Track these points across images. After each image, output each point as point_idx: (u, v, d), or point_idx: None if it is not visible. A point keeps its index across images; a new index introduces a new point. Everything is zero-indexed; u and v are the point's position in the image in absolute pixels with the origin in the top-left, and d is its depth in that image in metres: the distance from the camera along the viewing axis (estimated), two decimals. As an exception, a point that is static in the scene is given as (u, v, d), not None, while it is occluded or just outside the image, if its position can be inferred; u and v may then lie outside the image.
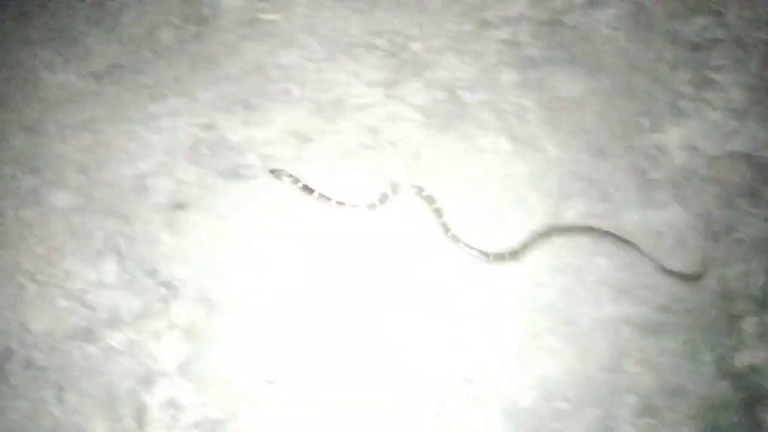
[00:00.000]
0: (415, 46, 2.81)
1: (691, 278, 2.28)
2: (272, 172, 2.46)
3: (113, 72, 2.72)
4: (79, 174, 2.46)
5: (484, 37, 2.85)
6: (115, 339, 2.19)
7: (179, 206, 2.40)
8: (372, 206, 2.40)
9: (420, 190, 2.43)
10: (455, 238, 2.33)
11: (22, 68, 2.74)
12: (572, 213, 2.43)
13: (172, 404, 2.07)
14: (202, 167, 2.48)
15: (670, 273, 2.28)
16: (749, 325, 2.18)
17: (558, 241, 2.35)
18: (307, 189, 2.41)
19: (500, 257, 2.31)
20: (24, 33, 2.83)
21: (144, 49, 2.78)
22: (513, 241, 2.34)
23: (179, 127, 2.57)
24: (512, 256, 2.31)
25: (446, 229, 2.35)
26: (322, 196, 2.39)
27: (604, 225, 2.38)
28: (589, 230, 2.39)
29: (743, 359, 2.13)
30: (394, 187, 2.44)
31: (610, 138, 2.61)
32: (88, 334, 2.19)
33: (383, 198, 2.41)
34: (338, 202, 2.39)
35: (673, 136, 2.61)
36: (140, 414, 2.06)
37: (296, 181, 2.43)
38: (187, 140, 2.54)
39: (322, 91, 2.69)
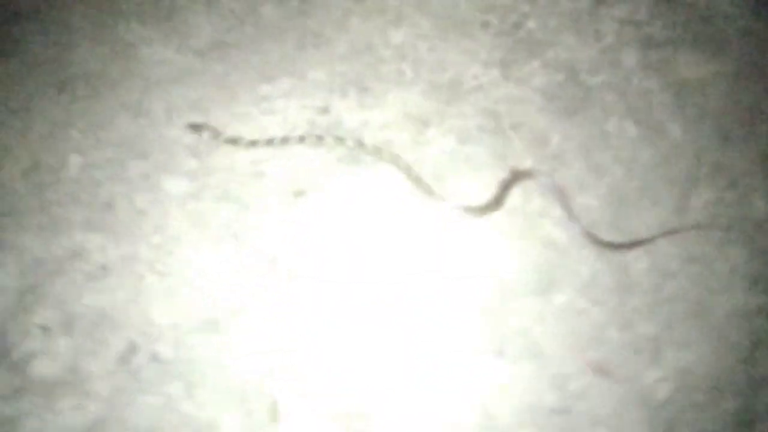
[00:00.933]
0: (531, 24, 2.62)
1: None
2: (192, 127, 2.32)
3: (217, 49, 2.54)
4: (190, 158, 2.29)
5: (601, 15, 2.66)
6: (241, 329, 2.08)
7: (298, 192, 2.25)
8: (498, 200, 2.22)
9: (548, 177, 2.28)
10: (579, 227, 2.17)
11: (119, 44, 2.55)
12: (699, 201, 2.30)
13: (304, 396, 1.97)
14: (320, 152, 2.33)
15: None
16: None
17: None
18: (232, 140, 2.27)
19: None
20: (116, 5, 2.64)
21: (247, 25, 2.59)
22: (639, 232, 2.19)
23: (293, 110, 2.40)
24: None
25: (574, 218, 2.21)
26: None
27: (732, 213, 2.25)
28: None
29: None
30: (517, 175, 2.28)
31: (737, 122, 2.44)
32: (213, 325, 2.07)
33: (504, 186, 2.26)
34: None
35: (803, 119, 2.45)
36: (273, 407, 1.96)
37: (217, 134, 2.30)
38: (302, 123, 2.37)
39: (437, 71, 2.51)
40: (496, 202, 2.20)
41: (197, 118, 2.36)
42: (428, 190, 2.21)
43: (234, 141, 2.29)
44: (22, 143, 2.30)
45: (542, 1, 2.69)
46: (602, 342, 1.97)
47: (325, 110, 2.40)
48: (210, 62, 2.50)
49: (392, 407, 1.87)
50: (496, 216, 2.20)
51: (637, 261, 2.12)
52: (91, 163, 2.27)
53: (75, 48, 2.53)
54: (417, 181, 2.23)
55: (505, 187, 2.24)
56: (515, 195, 2.23)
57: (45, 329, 2.02)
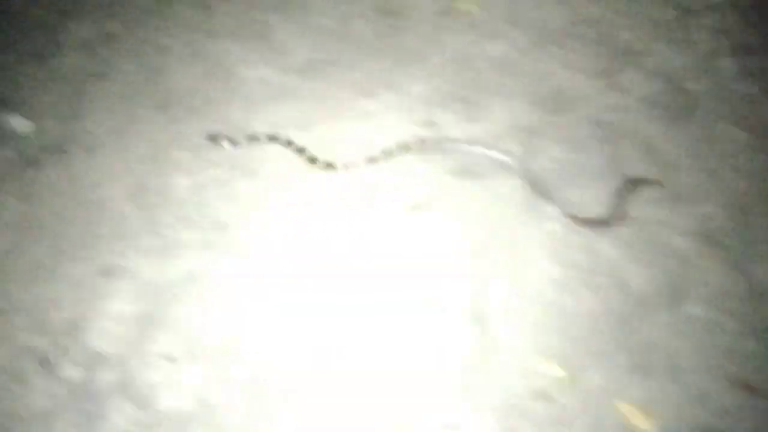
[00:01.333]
0: (625, 35, 2.60)
1: None
2: (211, 138, 2.25)
3: (314, 67, 2.48)
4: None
5: (690, 24, 2.66)
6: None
7: (415, 207, 2.17)
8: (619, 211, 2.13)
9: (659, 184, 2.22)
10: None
11: (215, 64, 2.49)
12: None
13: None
14: (432, 166, 2.25)
15: None
16: None
17: None
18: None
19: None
20: (207, 24, 2.58)
21: (341, 42, 2.54)
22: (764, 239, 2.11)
23: (399, 124, 2.33)
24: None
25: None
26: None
27: None
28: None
29: None
30: (632, 183, 2.22)
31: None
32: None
33: (623, 193, 2.19)
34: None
35: None
36: None
37: (235, 142, 2.24)
38: (410, 138, 2.31)
39: (538, 82, 2.47)
40: (619, 214, 2.13)
41: (297, 134, 2.28)
42: (549, 199, 2.14)
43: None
44: (124, 165, 2.22)
45: (631, 13, 2.68)
46: (741, 354, 1.88)
47: (430, 124, 2.34)
48: (309, 80, 2.43)
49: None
50: (617, 226, 2.14)
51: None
52: (199, 184, 2.19)
53: (170, 69, 2.47)
54: (539, 192, 2.15)
55: (623, 196, 2.18)
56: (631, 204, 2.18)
57: (170, 359, 1.91)
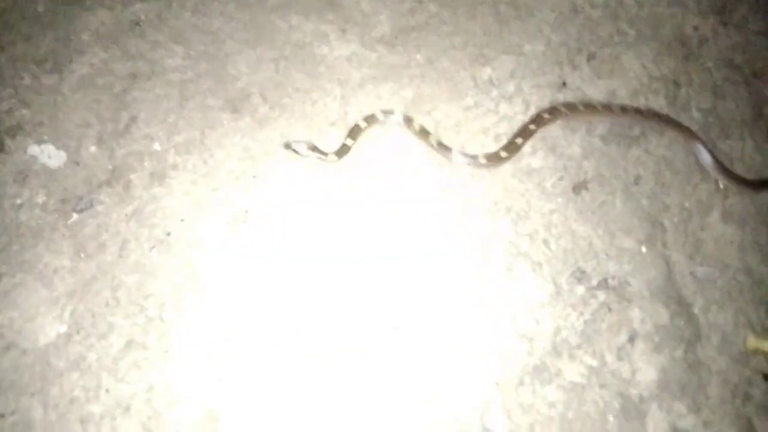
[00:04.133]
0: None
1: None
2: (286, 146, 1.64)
3: (404, 35, 1.89)
4: (435, 168, 1.65)
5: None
6: (572, 370, 1.49)
7: (578, 187, 1.67)
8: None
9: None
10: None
11: (287, 46, 1.82)
12: None
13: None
14: (581, 134, 1.73)
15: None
16: None
17: None
18: (319, 151, 1.62)
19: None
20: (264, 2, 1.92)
21: (427, 3, 1.95)
22: None
23: (528, 90, 1.81)
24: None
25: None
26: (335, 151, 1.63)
27: None
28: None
29: None
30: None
31: None
32: (539, 373, 1.46)
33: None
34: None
35: None
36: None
37: (314, 146, 1.63)
38: (544, 103, 1.77)
39: (656, 26, 1.97)
40: None
41: (420, 118, 1.71)
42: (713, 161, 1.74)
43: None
44: (216, 188, 1.57)
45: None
46: None
47: (561, 86, 1.85)
48: (405, 51, 1.85)
49: None
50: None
51: None
52: (308, 200, 1.58)
53: (233, 58, 1.78)
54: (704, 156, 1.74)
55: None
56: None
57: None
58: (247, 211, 1.56)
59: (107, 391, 1.30)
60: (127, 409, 1.29)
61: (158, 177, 1.57)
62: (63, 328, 1.37)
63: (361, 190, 1.62)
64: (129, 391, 1.31)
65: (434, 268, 1.53)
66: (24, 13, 1.81)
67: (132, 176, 1.56)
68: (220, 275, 1.46)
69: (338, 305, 1.46)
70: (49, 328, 1.35)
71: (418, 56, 1.85)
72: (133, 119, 1.65)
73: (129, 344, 1.35)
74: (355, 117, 1.72)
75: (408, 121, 1.69)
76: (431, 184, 1.64)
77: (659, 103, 1.87)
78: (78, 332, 1.37)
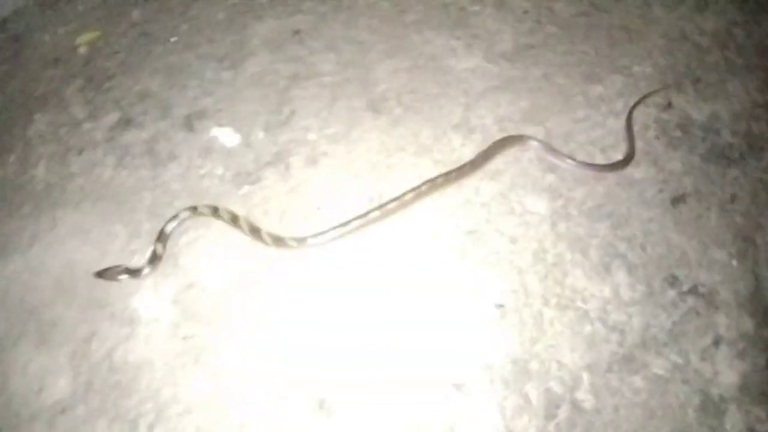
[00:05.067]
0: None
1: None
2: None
3: (524, 52, 2.04)
4: (547, 173, 1.80)
5: None
6: (658, 365, 1.62)
7: (677, 200, 1.80)
8: None
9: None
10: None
11: (420, 56, 2.04)
12: None
13: (752, 432, 1.51)
14: (683, 152, 1.86)
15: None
16: None
17: None
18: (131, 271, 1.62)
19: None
20: (401, 15, 2.14)
21: (546, 24, 2.10)
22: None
23: (636, 109, 1.93)
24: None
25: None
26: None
27: None
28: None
29: None
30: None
31: None
32: (626, 363, 1.60)
33: None
34: None
35: None
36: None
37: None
38: (649, 122, 1.90)
39: (763, 55, 2.07)
40: None
41: (532, 129, 1.87)
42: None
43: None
44: (351, 176, 1.82)
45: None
46: None
47: (667, 106, 1.96)
48: (524, 66, 2.01)
49: None
50: None
51: None
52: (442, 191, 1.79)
53: (374, 66, 2.03)
54: None
55: None
56: None
57: (459, 388, 1.55)
58: (380, 194, 1.79)
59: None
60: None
61: (312, 161, 1.81)
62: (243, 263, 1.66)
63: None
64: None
65: (530, 259, 1.71)
66: (209, 20, 2.13)
67: (291, 159, 1.81)
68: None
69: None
70: (227, 270, 1.65)
71: (535, 71, 2.00)
72: (293, 113, 1.91)
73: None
74: (476, 122, 1.89)
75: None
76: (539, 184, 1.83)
77: (761, 129, 1.93)
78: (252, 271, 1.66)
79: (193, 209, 1.69)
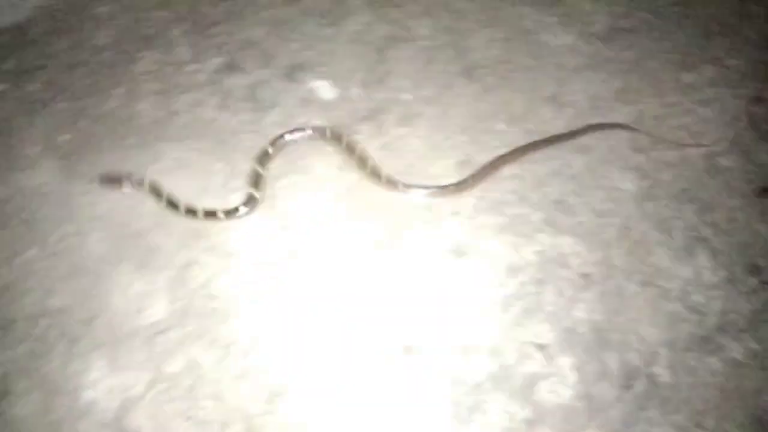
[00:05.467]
0: None
1: None
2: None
3: (617, 35, 2.04)
4: (636, 154, 1.79)
5: None
6: (735, 349, 1.62)
7: (764, 191, 1.78)
8: None
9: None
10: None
11: (516, 30, 2.04)
12: None
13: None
14: (769, 144, 1.86)
15: None
16: None
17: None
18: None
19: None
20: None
21: (641, 10, 2.08)
22: None
23: (724, 99, 1.91)
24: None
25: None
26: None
27: None
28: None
29: None
30: None
31: None
32: (704, 344, 1.61)
33: None
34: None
35: None
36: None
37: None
38: (739, 113, 1.88)
39: None
40: None
41: (624, 110, 1.88)
42: None
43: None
44: (445, 138, 1.83)
45: None
46: None
47: (757, 100, 1.93)
48: (617, 49, 1.99)
49: None
50: None
51: None
52: (532, 159, 1.81)
53: (470, 34, 2.03)
54: None
55: None
56: None
57: (541, 347, 1.58)
58: (468, 157, 1.81)
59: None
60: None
61: (405, 120, 1.82)
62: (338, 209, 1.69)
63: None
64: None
65: (615, 234, 1.72)
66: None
67: (384, 117, 1.83)
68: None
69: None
70: (321, 216, 1.67)
71: (628, 54, 1.99)
72: (388, 73, 1.93)
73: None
74: (568, 98, 1.89)
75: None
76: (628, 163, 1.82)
77: None
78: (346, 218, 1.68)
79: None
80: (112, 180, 1.70)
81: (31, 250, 1.63)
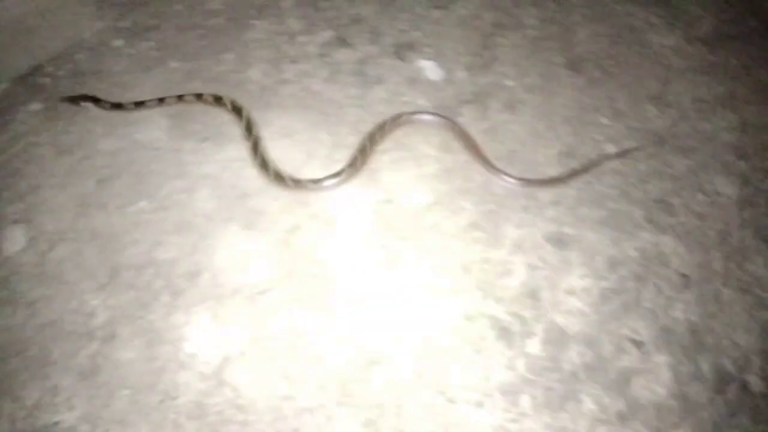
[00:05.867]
0: None
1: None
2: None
3: (720, 41, 2.01)
4: (739, 160, 1.77)
5: None
6: None
7: None
8: None
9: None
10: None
11: (622, 27, 2.02)
12: None
13: None
14: None
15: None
16: None
17: None
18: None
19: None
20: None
21: (748, 18, 2.04)
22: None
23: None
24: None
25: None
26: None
27: None
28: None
29: None
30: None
31: None
32: None
33: None
34: None
35: None
36: None
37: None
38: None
39: None
40: None
41: (728, 116, 1.85)
42: None
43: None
44: (549, 127, 1.82)
45: None
46: None
47: None
48: (723, 54, 1.96)
49: None
50: None
51: None
52: (633, 156, 1.79)
53: (576, 27, 2.02)
54: None
55: None
56: None
57: (638, 344, 1.58)
58: (570, 149, 1.79)
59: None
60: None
61: (508, 106, 1.82)
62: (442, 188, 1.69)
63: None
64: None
65: (715, 238, 1.69)
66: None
67: (489, 101, 1.82)
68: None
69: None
70: (424, 193, 1.69)
71: (734, 60, 1.95)
72: (494, 58, 1.92)
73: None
74: (672, 98, 1.86)
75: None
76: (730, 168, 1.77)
77: None
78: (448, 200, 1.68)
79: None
80: (73, 100, 1.83)
81: (141, 202, 1.67)
